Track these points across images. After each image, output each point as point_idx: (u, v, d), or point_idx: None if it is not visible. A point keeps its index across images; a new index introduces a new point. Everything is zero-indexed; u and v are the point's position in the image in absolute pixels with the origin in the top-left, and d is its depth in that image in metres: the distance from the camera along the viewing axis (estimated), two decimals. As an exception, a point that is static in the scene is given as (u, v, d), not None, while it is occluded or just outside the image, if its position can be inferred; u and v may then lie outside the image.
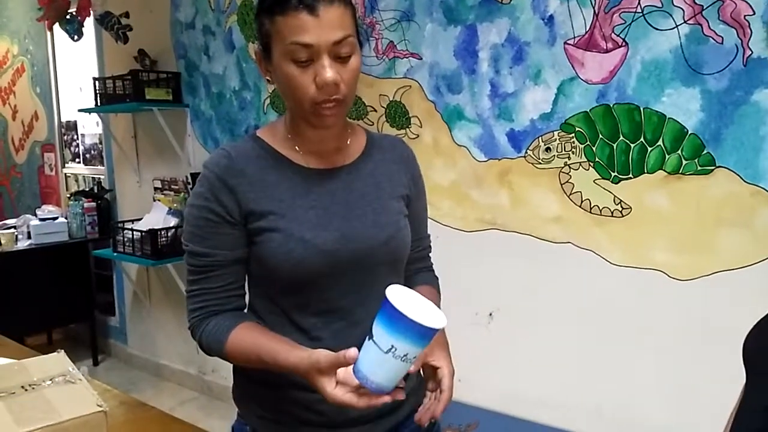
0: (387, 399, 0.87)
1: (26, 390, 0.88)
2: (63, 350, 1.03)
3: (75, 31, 3.17)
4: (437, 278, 1.26)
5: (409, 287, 1.16)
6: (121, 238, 3.35)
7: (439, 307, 1.15)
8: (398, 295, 0.82)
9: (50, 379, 0.91)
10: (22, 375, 0.93)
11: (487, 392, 2.32)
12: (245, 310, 1.11)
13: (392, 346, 0.80)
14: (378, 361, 0.82)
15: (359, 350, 0.85)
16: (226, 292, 1.06)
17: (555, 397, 2.17)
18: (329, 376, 0.88)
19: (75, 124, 4.32)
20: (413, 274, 1.22)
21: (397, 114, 2.45)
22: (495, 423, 2.29)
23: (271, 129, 1.11)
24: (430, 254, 1.28)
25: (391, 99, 2.46)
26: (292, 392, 1.05)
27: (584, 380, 2.11)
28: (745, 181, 1.74)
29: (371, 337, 0.83)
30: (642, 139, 1.90)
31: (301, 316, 1.05)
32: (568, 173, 2.06)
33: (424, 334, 0.80)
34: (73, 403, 0.84)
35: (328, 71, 0.94)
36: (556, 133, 2.07)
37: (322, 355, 0.88)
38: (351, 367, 0.85)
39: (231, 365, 1.10)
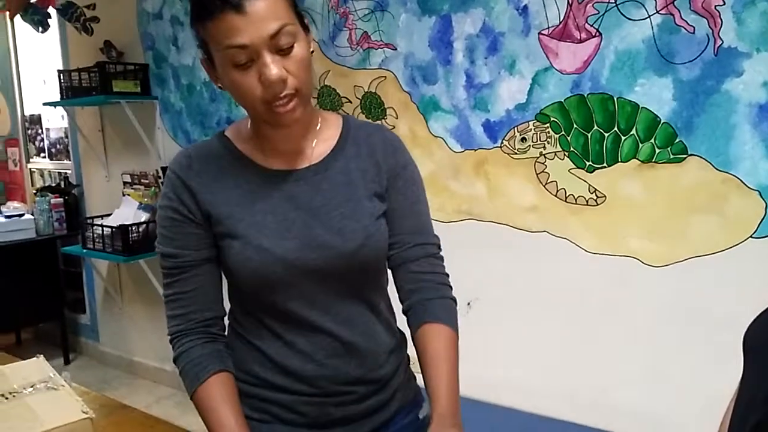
0: None
1: (7, 398, 0.85)
2: (42, 355, 1.00)
3: (40, 22, 3.05)
4: (451, 300, 1.13)
5: (415, 330, 1.08)
6: (91, 234, 3.27)
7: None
8: None
9: (31, 386, 0.89)
10: (1, 382, 0.90)
11: (466, 381, 2.31)
12: (227, 315, 1.09)
13: None
14: None
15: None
16: (203, 296, 1.02)
17: (534, 384, 2.20)
18: None
19: (39, 117, 4.20)
20: (419, 304, 1.09)
21: (373, 105, 2.43)
22: (474, 411, 2.30)
23: (237, 127, 1.07)
24: (438, 255, 1.13)
25: (366, 90, 2.44)
26: (274, 394, 1.03)
27: (561, 367, 2.14)
28: (716, 169, 1.77)
29: None
30: (616, 129, 1.92)
31: (271, 321, 1.02)
32: (543, 163, 2.08)
33: None
34: (57, 411, 0.82)
35: (272, 68, 0.88)
36: (531, 123, 2.08)
37: None
38: None
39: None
